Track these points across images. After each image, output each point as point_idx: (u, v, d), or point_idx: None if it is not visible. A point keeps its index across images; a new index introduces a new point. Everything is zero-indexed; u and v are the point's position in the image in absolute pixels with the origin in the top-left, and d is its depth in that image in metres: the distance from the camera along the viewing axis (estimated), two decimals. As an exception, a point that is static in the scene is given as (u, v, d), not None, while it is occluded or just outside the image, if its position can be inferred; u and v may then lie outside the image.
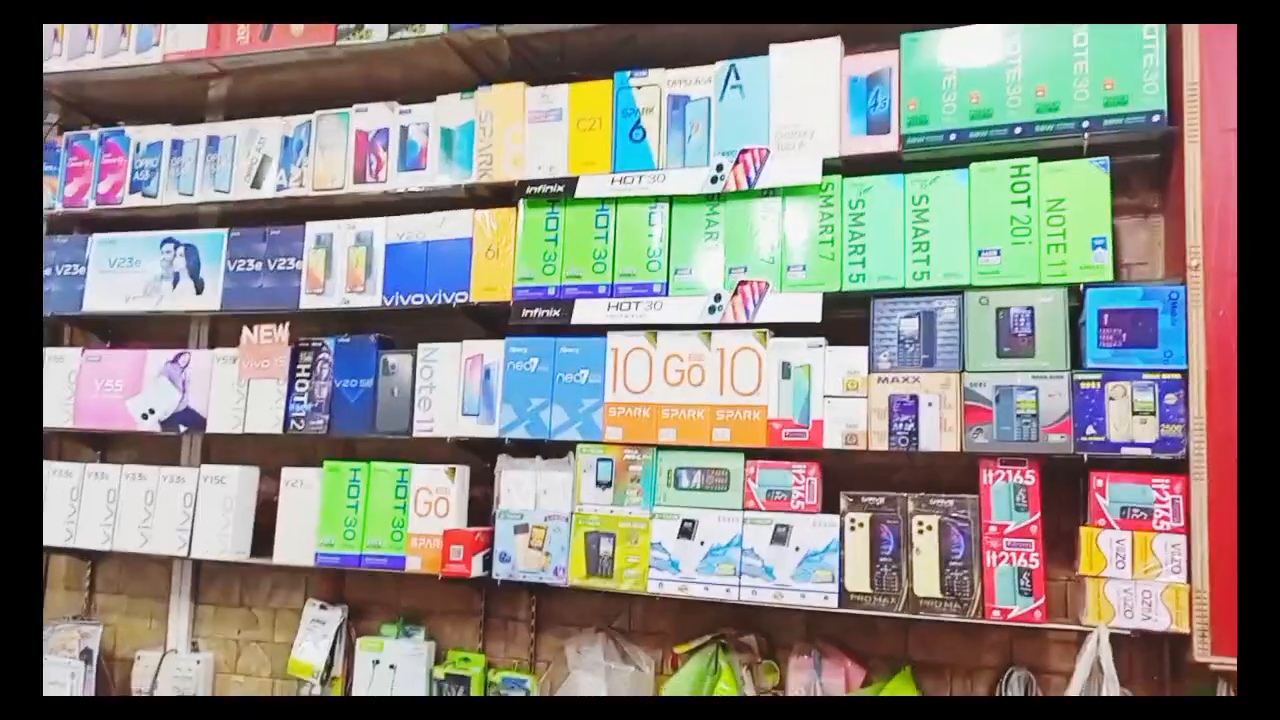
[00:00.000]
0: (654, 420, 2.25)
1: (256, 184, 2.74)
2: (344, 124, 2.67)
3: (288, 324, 2.64)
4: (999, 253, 2.01)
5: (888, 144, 2.12)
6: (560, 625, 2.53)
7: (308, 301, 2.63)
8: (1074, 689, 1.82)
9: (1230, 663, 1.75)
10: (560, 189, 2.39)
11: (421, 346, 2.50)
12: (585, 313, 2.32)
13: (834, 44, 2.19)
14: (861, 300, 2.11)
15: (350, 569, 2.53)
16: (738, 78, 2.28)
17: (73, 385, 2.85)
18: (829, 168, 2.15)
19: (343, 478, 2.54)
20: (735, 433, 2.18)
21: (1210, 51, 1.87)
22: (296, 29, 2.65)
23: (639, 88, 2.36)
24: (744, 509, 2.16)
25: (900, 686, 2.12)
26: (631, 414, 2.27)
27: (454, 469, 2.46)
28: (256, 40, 2.70)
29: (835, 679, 2.16)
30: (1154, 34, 1.95)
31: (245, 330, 2.67)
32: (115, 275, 2.86)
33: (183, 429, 2.73)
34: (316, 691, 2.61)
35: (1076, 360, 1.94)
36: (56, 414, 2.84)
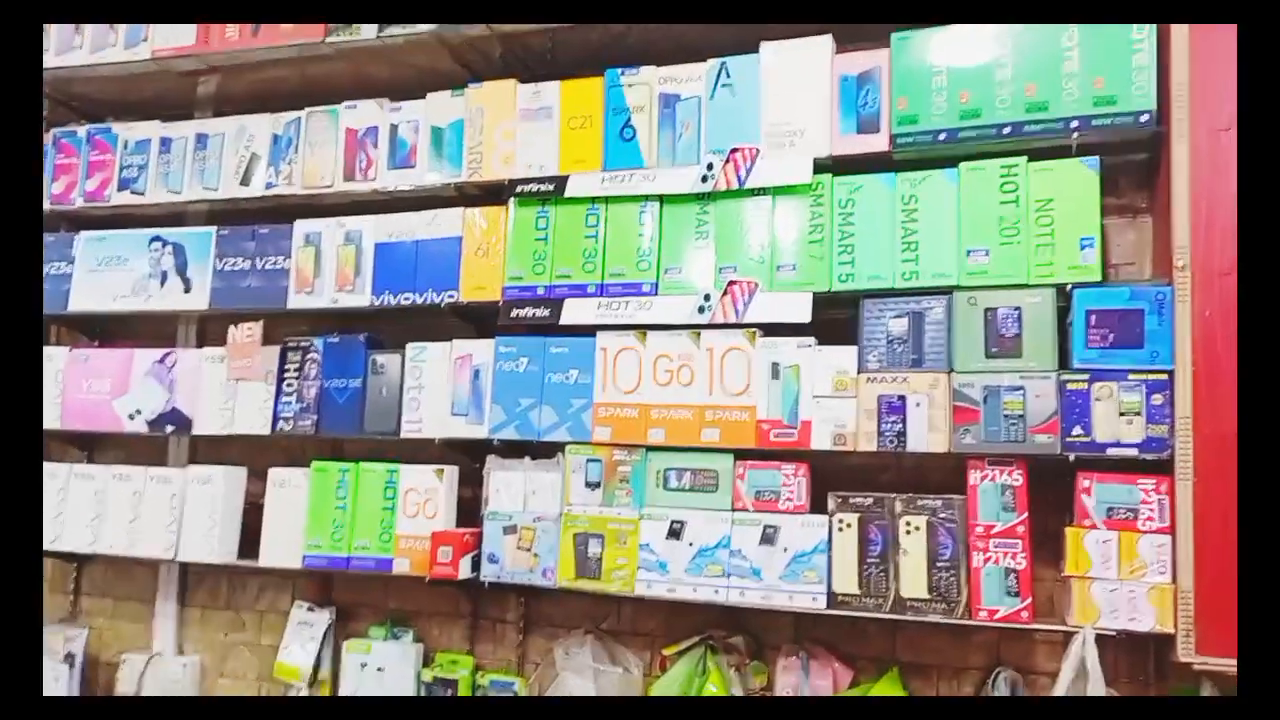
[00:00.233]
0: (643, 421, 2.32)
1: (245, 181, 2.81)
2: (333, 121, 2.75)
3: (261, 322, 2.71)
4: (987, 253, 2.08)
5: (878, 143, 2.19)
6: (549, 627, 2.60)
7: (296, 301, 2.71)
8: (1059, 689, 1.88)
9: (1215, 662, 1.81)
10: (550, 188, 2.46)
11: (410, 346, 2.57)
12: (575, 312, 2.39)
13: (825, 42, 2.26)
14: (851, 300, 2.18)
15: (338, 571, 2.61)
16: (728, 76, 2.35)
17: (60, 385, 2.92)
18: (819, 166, 2.22)
19: (330, 478, 2.62)
20: (724, 433, 2.25)
21: (1199, 52, 1.93)
22: (286, 25, 2.73)
23: (630, 85, 2.44)
24: (733, 509, 2.23)
25: (888, 687, 2.19)
26: (621, 414, 2.34)
27: (442, 469, 2.53)
28: (246, 37, 2.77)
29: (823, 680, 2.23)
30: (1143, 34, 2.01)
31: (231, 329, 2.75)
32: (103, 274, 2.94)
33: (169, 429, 2.81)
34: (304, 694, 2.68)
35: (1064, 360, 2.01)
36: (43, 414, 2.91)
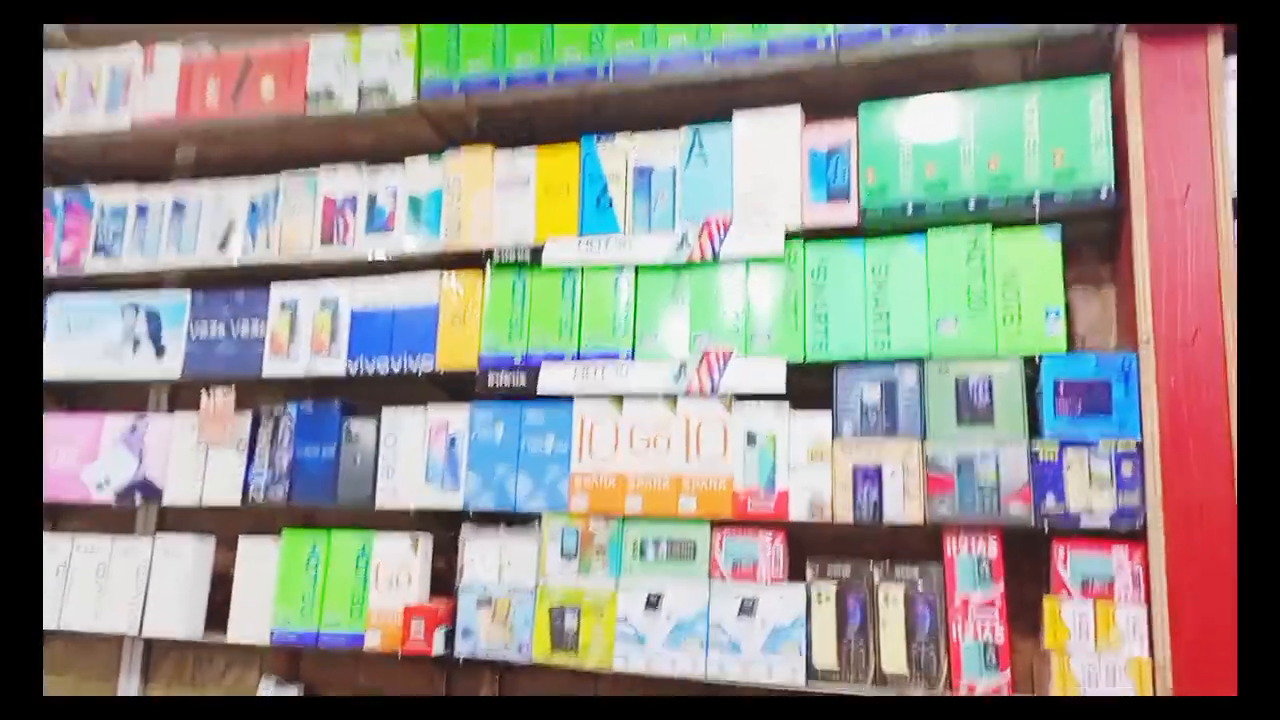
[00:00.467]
0: (620, 490, 2.38)
1: (222, 248, 2.90)
2: (312, 188, 2.84)
3: (233, 388, 2.76)
4: (956, 321, 2.18)
5: (848, 214, 2.29)
6: (524, 703, 2.62)
7: (271, 367, 2.77)
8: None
9: (1192, 737, 1.85)
10: (527, 256, 2.55)
11: (386, 412, 2.63)
12: (551, 380, 2.47)
13: (794, 112, 2.38)
14: (825, 368, 2.26)
15: (307, 647, 2.62)
16: (702, 145, 2.47)
17: (26, 453, 2.96)
18: (790, 236, 2.32)
19: (302, 548, 2.65)
20: (701, 503, 2.31)
21: (1154, 126, 2.05)
22: (266, 94, 2.85)
23: (606, 153, 2.55)
24: (710, 579, 2.28)
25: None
26: (598, 483, 2.40)
27: (417, 540, 2.57)
28: (226, 105, 2.89)
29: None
30: (1100, 108, 2.13)
31: (203, 395, 2.81)
32: (74, 339, 3.00)
33: (138, 499, 2.84)
34: (269, 776, 2.68)
35: (1034, 430, 2.09)
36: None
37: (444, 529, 2.59)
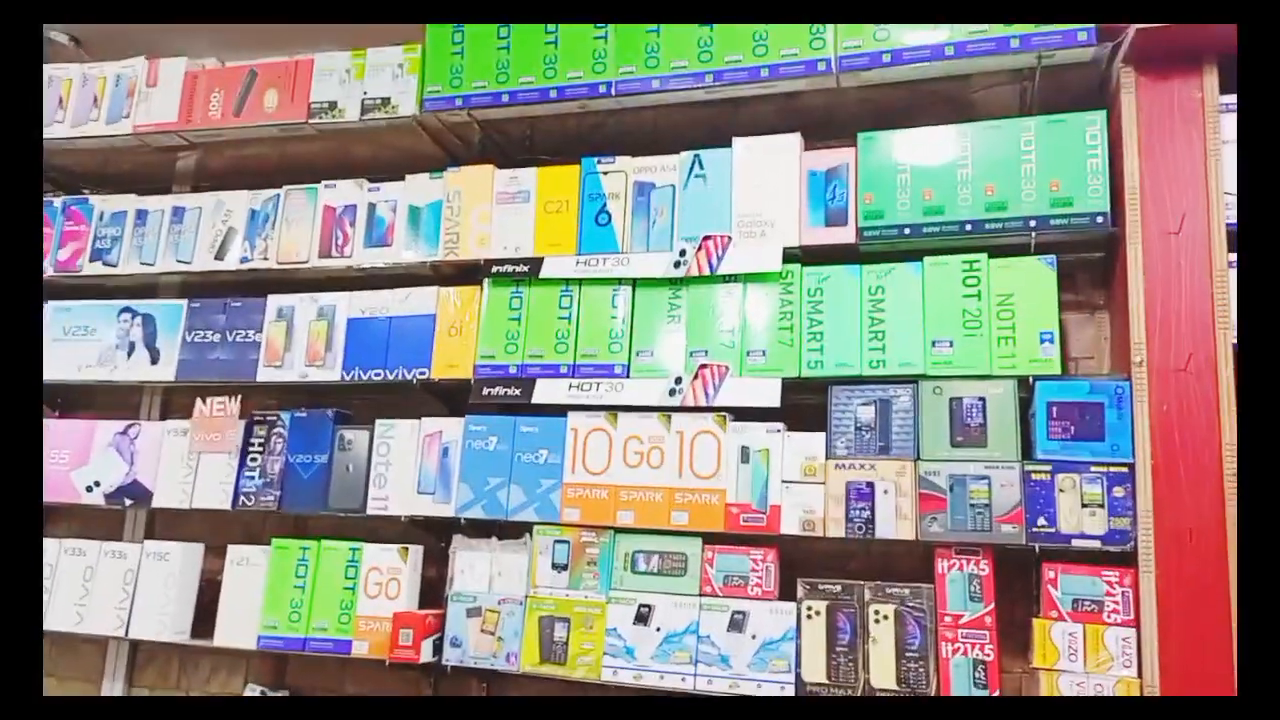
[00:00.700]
0: (612, 502, 2.29)
1: (220, 256, 2.80)
2: (311, 199, 2.75)
3: (239, 396, 2.66)
4: (951, 344, 2.11)
5: (845, 236, 2.23)
6: (511, 715, 2.50)
7: (265, 374, 2.66)
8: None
9: (1182, 760, 1.78)
10: (525, 269, 2.47)
11: (379, 422, 2.53)
12: (546, 392, 2.38)
13: (794, 139, 2.32)
14: (819, 386, 2.19)
15: (294, 653, 2.51)
16: (701, 167, 2.40)
17: (16, 454, 2.83)
18: (789, 256, 2.26)
19: (291, 557, 2.54)
20: (693, 516, 2.22)
21: (1149, 157, 2.00)
22: (270, 105, 2.76)
23: (605, 173, 2.47)
24: (701, 594, 2.19)
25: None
26: (590, 495, 2.31)
27: (407, 549, 2.47)
28: (229, 114, 2.80)
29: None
30: (1096, 140, 2.09)
31: (198, 402, 2.69)
32: (69, 343, 2.88)
33: (128, 503, 2.72)
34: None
35: (1027, 451, 2.02)
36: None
37: (435, 538, 2.49)
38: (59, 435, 2.83)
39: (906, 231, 2.18)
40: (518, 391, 2.41)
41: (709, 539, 2.21)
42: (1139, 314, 1.95)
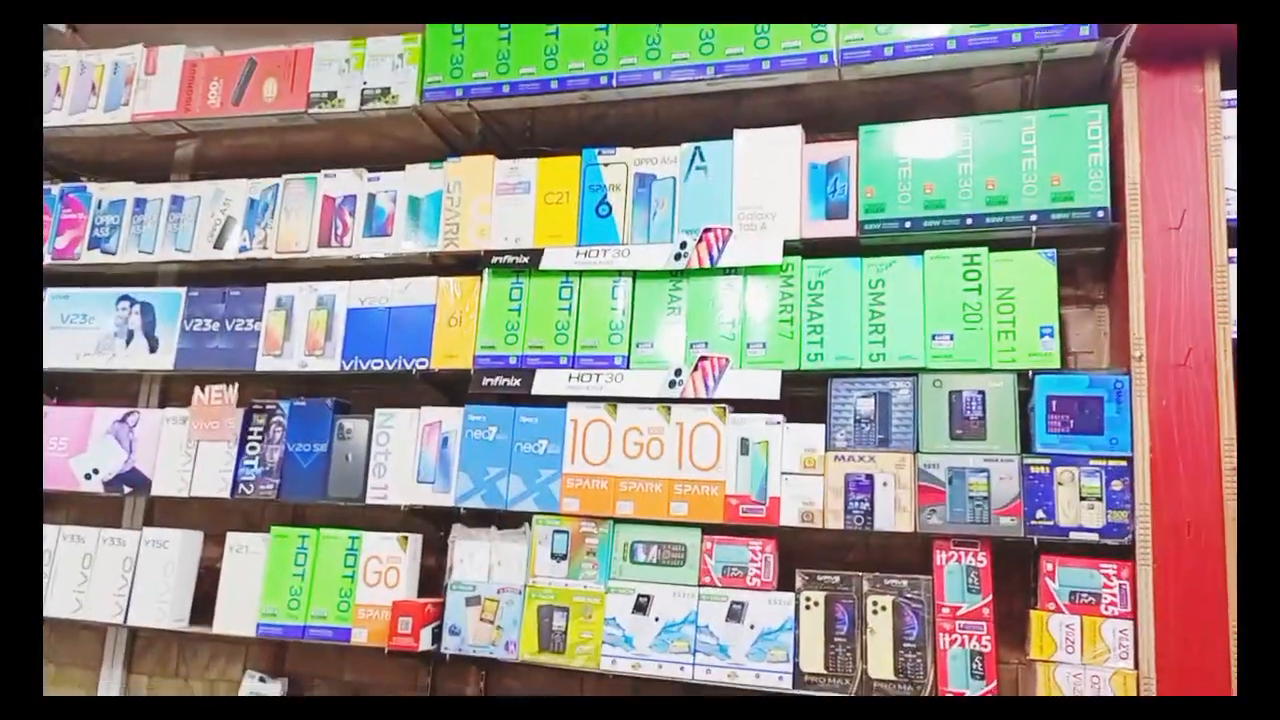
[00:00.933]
0: (611, 493, 2.23)
1: (219, 244, 2.71)
2: (311, 189, 2.67)
3: (236, 385, 2.58)
4: (951, 337, 2.06)
5: (846, 229, 2.17)
6: (509, 702, 2.45)
7: (264, 363, 2.59)
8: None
9: (1178, 751, 1.74)
10: (525, 260, 2.40)
11: (378, 412, 2.46)
12: (546, 383, 2.32)
13: (795, 132, 2.25)
14: (819, 379, 2.13)
15: (293, 640, 2.44)
16: (702, 159, 2.33)
17: (14, 442, 2.75)
18: (789, 249, 2.20)
19: (290, 545, 2.47)
20: (693, 507, 2.16)
21: (1151, 152, 1.95)
22: (269, 94, 2.67)
23: (606, 165, 2.40)
24: (700, 585, 2.13)
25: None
26: (589, 486, 2.25)
27: (406, 537, 2.40)
28: (228, 104, 2.71)
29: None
30: (1098, 135, 2.04)
31: (197, 390, 2.62)
32: (67, 331, 2.80)
33: (126, 490, 2.64)
34: (251, 770, 2.48)
35: (1026, 444, 1.97)
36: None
37: (434, 528, 2.43)
38: (58, 422, 2.75)
39: (907, 225, 2.13)
40: (517, 382, 2.34)
41: (708, 530, 2.15)
42: (1139, 309, 1.90)
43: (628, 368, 2.28)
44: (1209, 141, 1.89)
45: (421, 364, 2.44)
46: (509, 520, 2.32)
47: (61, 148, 2.97)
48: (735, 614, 2.09)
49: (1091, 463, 1.91)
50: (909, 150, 2.16)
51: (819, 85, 2.30)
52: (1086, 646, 1.86)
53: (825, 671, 2.01)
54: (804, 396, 2.15)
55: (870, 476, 2.04)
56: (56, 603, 2.60)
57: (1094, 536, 1.88)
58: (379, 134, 2.68)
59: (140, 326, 2.74)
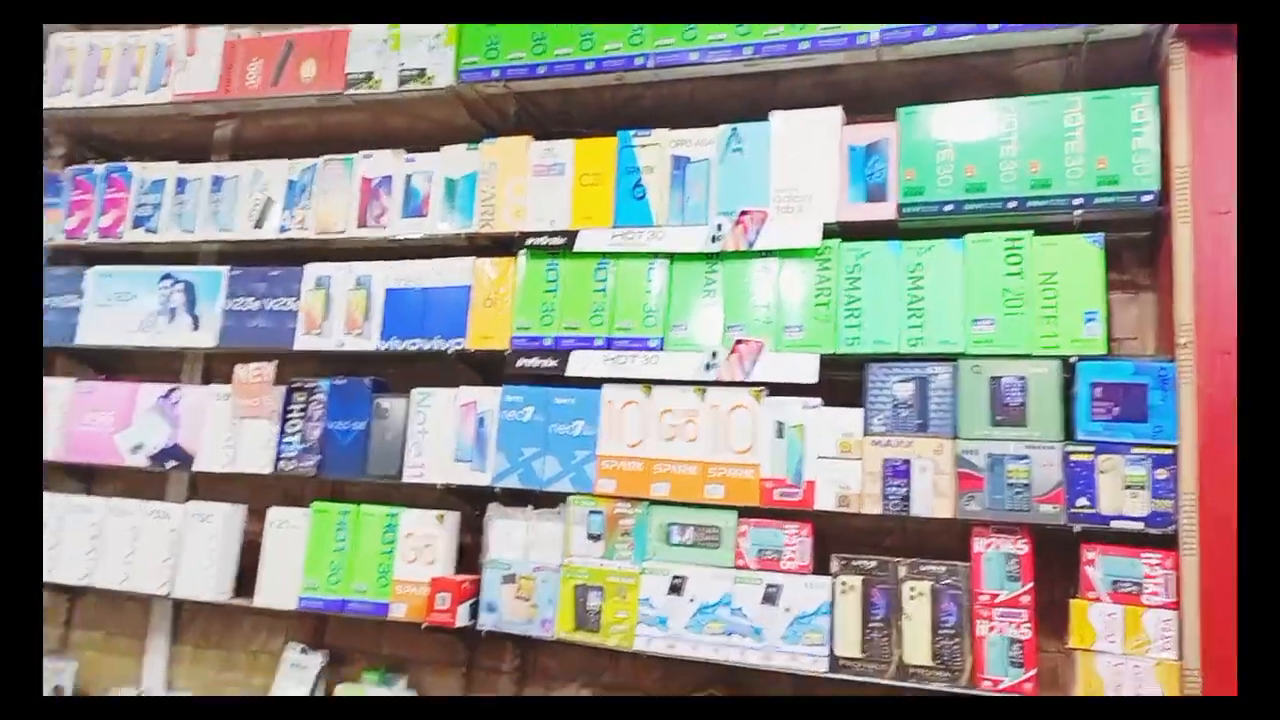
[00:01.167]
0: (647, 474, 2.19)
1: (259, 224, 2.68)
2: (348, 169, 2.62)
3: (275, 363, 2.56)
4: (993, 322, 1.98)
5: (885, 212, 2.10)
6: (544, 679, 2.43)
7: (304, 342, 2.56)
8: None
9: (1221, 742, 1.68)
10: (560, 241, 2.34)
11: (416, 391, 2.43)
12: (581, 364, 2.26)
13: (834, 113, 2.17)
14: (856, 363, 2.07)
15: (333, 614, 2.43)
16: (739, 141, 2.25)
17: (63, 416, 2.75)
18: (827, 232, 2.12)
19: (330, 520, 2.45)
20: (728, 490, 2.11)
21: (1200, 135, 1.86)
22: (307, 75, 2.62)
23: (642, 146, 2.33)
24: (735, 567, 2.09)
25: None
26: (624, 467, 2.20)
27: (443, 515, 2.37)
28: (266, 84, 2.66)
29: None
30: (1145, 117, 1.94)
31: (238, 368, 2.59)
32: (111, 309, 2.78)
33: (171, 465, 2.63)
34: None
35: (1069, 431, 1.90)
36: (45, 445, 2.72)
37: (470, 507, 2.39)
38: (103, 398, 2.74)
39: (948, 208, 2.04)
40: (553, 363, 2.29)
41: (743, 513, 2.10)
42: (1186, 295, 1.82)
43: (663, 350, 2.23)
44: (1264, 124, 1.78)
45: (458, 344, 2.40)
46: (544, 500, 2.29)
47: (105, 128, 2.94)
48: (770, 597, 2.04)
49: (1135, 450, 1.83)
50: (950, 132, 2.07)
51: (856, 66, 2.21)
52: (1128, 636, 1.80)
53: (861, 656, 1.96)
54: (841, 381, 2.09)
55: (908, 462, 1.98)
56: (105, 574, 2.61)
57: (1137, 525, 1.81)
58: (415, 115, 2.63)
59: (182, 304, 2.72)
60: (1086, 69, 2.05)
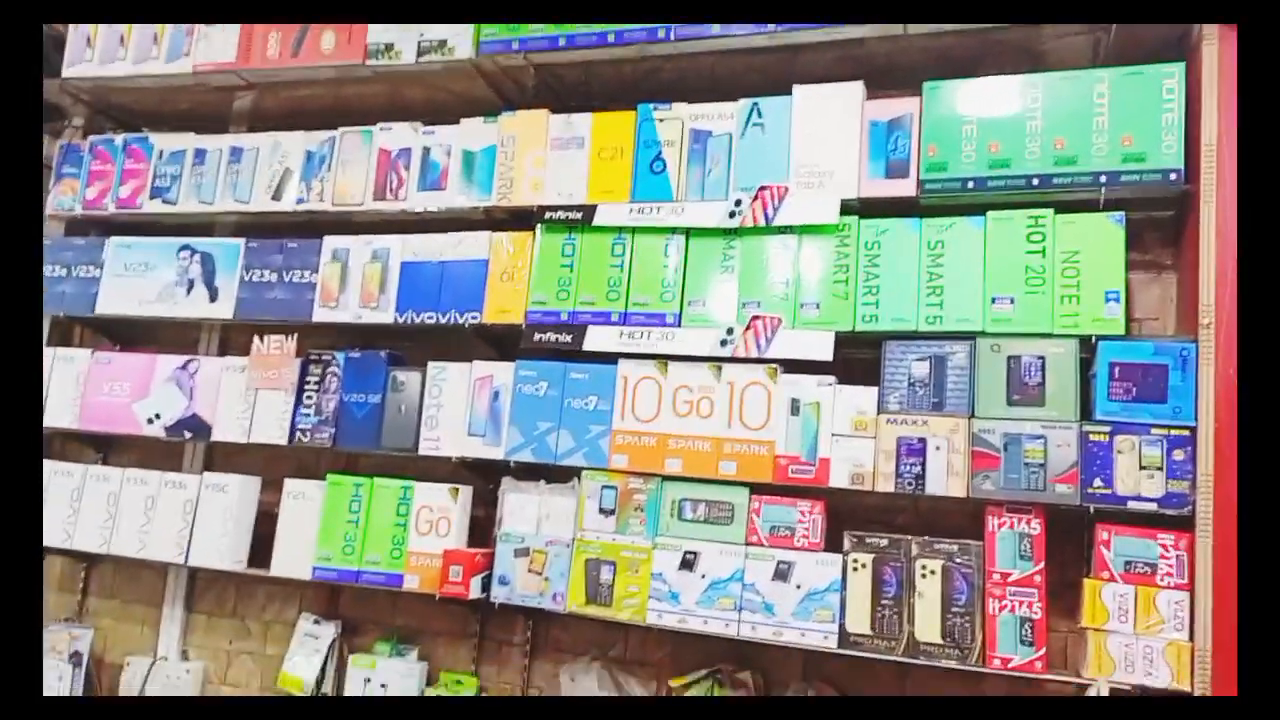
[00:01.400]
0: (660, 450, 2.24)
1: (277, 196, 2.75)
2: (367, 141, 2.68)
3: (295, 335, 2.63)
4: (1012, 301, 2.02)
5: (906, 188, 2.13)
6: (555, 652, 2.50)
7: (320, 314, 2.63)
8: (1073, 743, 1.79)
9: (1231, 724, 1.72)
10: (578, 216, 2.40)
11: (431, 365, 2.49)
12: (597, 339, 2.32)
13: (856, 88, 2.21)
14: (873, 341, 2.11)
15: (347, 584, 2.51)
16: (760, 115, 2.29)
17: (80, 386, 2.84)
18: (846, 208, 2.16)
19: (345, 492, 2.53)
20: (741, 467, 2.17)
21: (1229, 114, 1.88)
22: (327, 46, 2.68)
23: (661, 120, 2.38)
24: (746, 544, 2.14)
25: (896, 731, 2.09)
26: (638, 443, 2.26)
27: (457, 488, 2.44)
28: (286, 55, 2.72)
29: None
30: (1173, 94, 1.96)
31: (255, 340, 2.67)
32: (130, 279, 2.87)
33: (187, 435, 2.72)
34: (306, 707, 2.57)
35: (1086, 411, 1.94)
36: (62, 414, 2.82)
37: (483, 480, 2.46)
38: (121, 368, 2.82)
39: (970, 185, 2.08)
40: (569, 338, 2.35)
41: (756, 489, 2.16)
42: (1210, 276, 1.85)
43: (679, 326, 2.28)
44: (1294, 102, 1.80)
45: (474, 318, 2.46)
46: (558, 475, 2.35)
47: (124, 98, 3.01)
48: (782, 573, 2.10)
49: (1153, 431, 1.87)
50: (974, 108, 2.10)
51: (880, 40, 2.24)
52: (1140, 616, 1.84)
53: (871, 633, 2.02)
54: (857, 358, 2.13)
55: (923, 440, 2.02)
56: (121, 542, 2.70)
57: (1152, 506, 1.85)
58: (433, 87, 2.68)
59: (200, 276, 2.80)
60: (1115, 44, 2.07)
